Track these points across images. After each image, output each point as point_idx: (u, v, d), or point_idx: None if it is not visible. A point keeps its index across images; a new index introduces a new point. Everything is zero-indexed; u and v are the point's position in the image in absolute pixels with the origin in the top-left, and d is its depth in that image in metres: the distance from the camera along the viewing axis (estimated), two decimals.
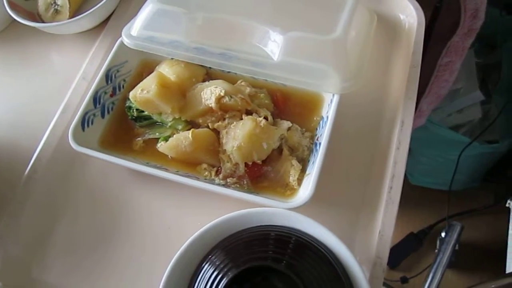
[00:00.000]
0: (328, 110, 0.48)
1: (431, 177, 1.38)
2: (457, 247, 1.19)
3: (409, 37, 0.56)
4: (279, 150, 0.49)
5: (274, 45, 0.49)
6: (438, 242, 1.23)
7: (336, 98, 0.48)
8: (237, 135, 0.47)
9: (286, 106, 0.52)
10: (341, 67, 0.47)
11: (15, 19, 0.60)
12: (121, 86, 0.55)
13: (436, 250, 1.20)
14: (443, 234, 1.22)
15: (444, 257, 1.15)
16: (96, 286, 0.48)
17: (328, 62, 0.47)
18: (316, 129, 0.50)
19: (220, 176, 0.48)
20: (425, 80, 0.85)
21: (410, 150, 1.29)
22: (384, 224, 0.45)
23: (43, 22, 0.62)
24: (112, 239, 0.50)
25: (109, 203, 0.52)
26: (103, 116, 0.53)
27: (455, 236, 1.17)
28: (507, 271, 1.02)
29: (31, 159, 0.54)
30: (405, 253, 1.32)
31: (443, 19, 0.78)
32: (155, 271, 0.41)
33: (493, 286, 0.88)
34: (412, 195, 1.41)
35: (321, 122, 0.49)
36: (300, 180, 0.47)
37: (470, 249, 1.32)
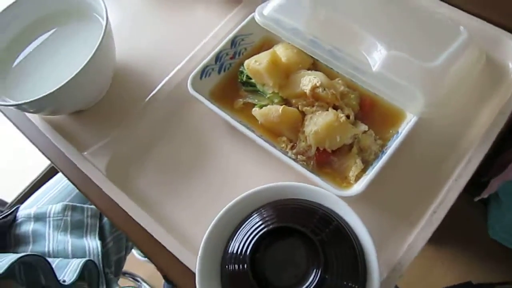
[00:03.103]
0: (404, 128, 0.53)
1: (510, 236, 1.32)
2: None
3: (510, 86, 0.58)
4: (350, 146, 0.55)
5: (377, 56, 0.55)
6: None
7: (414, 119, 0.53)
8: (318, 122, 0.54)
9: (370, 112, 0.58)
10: (429, 94, 0.52)
11: None
12: (241, 53, 0.65)
13: None
14: None
15: None
16: (172, 199, 0.60)
17: (418, 86, 0.52)
18: (389, 140, 0.55)
19: (294, 151, 0.56)
20: None
21: (500, 202, 1.25)
22: (416, 240, 0.50)
23: None
24: (194, 171, 0.61)
25: (200, 142, 0.63)
26: (219, 72, 0.63)
27: None
28: None
29: (155, 88, 0.66)
30: None
31: None
32: (219, 207, 0.51)
33: None
34: (486, 247, 1.36)
35: (395, 136, 0.55)
36: (358, 178, 0.53)
37: None
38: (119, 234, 0.91)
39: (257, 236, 0.46)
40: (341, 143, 0.54)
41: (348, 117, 0.55)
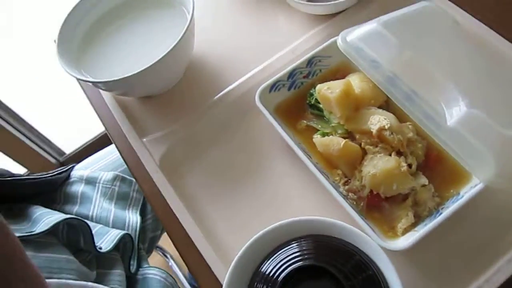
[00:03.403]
0: (467, 192, 0.50)
1: None
2: None
3: None
4: (405, 196, 0.53)
5: (455, 111, 0.52)
6: None
7: (480, 186, 0.50)
8: (377, 165, 0.52)
9: (434, 166, 0.55)
10: (503, 164, 0.49)
11: None
12: (315, 74, 0.64)
13: None
14: None
15: None
16: (215, 204, 0.61)
17: (493, 153, 0.49)
18: (448, 200, 0.53)
19: (346, 187, 0.55)
20: None
21: None
22: None
23: None
24: (243, 182, 0.61)
25: (255, 154, 0.63)
26: (289, 89, 0.63)
27: None
28: None
29: (224, 89, 0.67)
30: None
31: None
32: (259, 224, 0.51)
33: None
34: None
35: (455, 197, 0.52)
36: (406, 231, 0.51)
37: None
38: None
39: (291, 267, 0.47)
40: (397, 192, 0.52)
41: (410, 166, 0.53)
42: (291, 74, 0.62)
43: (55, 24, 0.68)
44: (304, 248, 0.49)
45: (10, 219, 0.75)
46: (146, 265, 0.87)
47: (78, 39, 0.68)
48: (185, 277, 1.31)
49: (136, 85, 0.62)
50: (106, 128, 0.70)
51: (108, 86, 0.62)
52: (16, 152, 1.42)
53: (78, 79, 0.63)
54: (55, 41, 0.65)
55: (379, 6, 0.70)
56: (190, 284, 1.28)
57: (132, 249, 0.84)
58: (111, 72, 0.64)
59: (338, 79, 0.62)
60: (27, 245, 0.67)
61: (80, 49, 0.68)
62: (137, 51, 0.67)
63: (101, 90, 0.71)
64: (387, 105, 0.59)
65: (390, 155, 0.54)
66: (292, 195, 0.59)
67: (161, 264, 1.34)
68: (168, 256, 1.33)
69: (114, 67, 0.66)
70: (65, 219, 0.72)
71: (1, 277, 0.33)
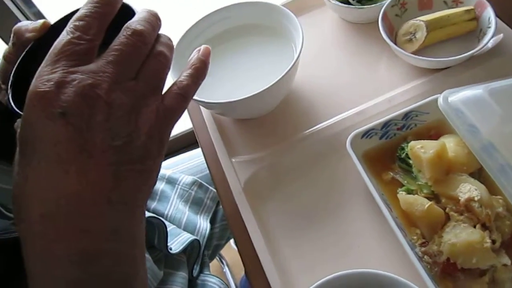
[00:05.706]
0: None
1: None
2: None
3: None
4: (482, 272, 0.52)
5: None
6: None
7: None
8: (459, 235, 0.52)
9: None
10: None
11: None
12: (409, 127, 0.64)
13: None
14: None
15: None
16: (287, 233, 0.63)
17: None
18: None
19: (423, 249, 0.55)
20: None
21: None
22: None
23: (395, 41, 0.73)
24: (318, 219, 0.63)
25: (336, 194, 0.64)
26: (381, 138, 0.64)
27: None
28: None
29: (316, 125, 0.69)
30: None
31: None
32: (326, 264, 0.52)
33: None
34: None
35: None
36: None
37: None
38: (227, 224, 0.98)
39: None
40: (476, 266, 0.51)
41: (493, 242, 0.52)
42: (386, 125, 0.63)
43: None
44: None
45: None
46: (208, 272, 0.92)
47: (188, 56, 0.74)
48: (236, 286, 1.35)
49: (235, 109, 0.66)
50: (199, 142, 0.75)
51: (209, 106, 0.67)
52: None
53: None
54: None
55: (484, 69, 0.68)
56: None
57: (198, 254, 0.88)
58: (214, 93, 0.69)
59: (431, 136, 0.62)
60: None
61: None
62: (241, 76, 0.71)
63: (201, 106, 0.76)
64: (479, 173, 0.58)
65: (474, 226, 0.53)
66: (365, 243, 0.60)
67: (216, 269, 1.39)
68: (224, 263, 1.38)
69: (217, 88, 0.70)
70: (147, 217, 0.77)
71: None
